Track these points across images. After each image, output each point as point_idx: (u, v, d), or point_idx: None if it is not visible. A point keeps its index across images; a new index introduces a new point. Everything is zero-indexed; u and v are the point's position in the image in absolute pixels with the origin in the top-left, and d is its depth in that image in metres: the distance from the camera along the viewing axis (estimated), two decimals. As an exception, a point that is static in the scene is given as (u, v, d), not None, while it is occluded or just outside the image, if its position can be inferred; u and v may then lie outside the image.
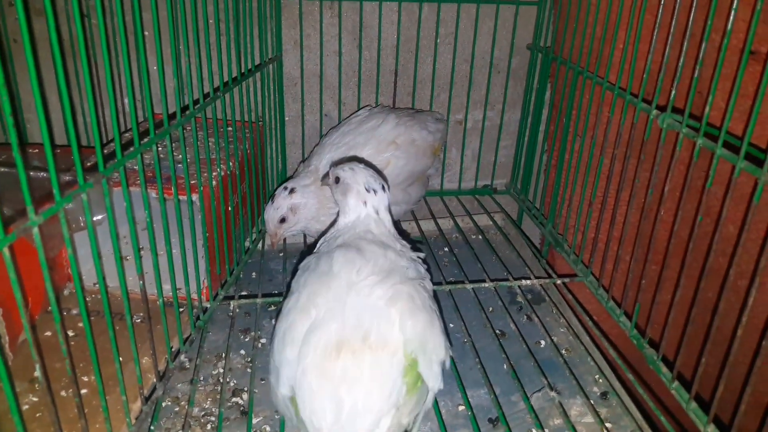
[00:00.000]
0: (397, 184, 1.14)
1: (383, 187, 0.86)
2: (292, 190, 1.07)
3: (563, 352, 0.95)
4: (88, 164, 0.95)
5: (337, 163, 0.96)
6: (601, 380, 0.89)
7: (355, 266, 0.72)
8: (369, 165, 0.94)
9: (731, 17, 0.67)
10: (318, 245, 0.86)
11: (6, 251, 0.46)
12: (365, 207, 0.84)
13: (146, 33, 1.22)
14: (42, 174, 0.90)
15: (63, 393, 0.76)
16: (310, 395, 0.63)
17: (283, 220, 1.07)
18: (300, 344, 0.67)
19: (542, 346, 0.97)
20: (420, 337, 0.67)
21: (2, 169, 0.91)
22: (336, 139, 1.17)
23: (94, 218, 0.66)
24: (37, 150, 1.05)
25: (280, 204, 1.06)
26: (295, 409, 0.66)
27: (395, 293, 0.69)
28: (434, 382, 0.68)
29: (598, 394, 0.87)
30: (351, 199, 0.85)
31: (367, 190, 0.85)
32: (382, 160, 1.12)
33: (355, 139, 1.15)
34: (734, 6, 0.66)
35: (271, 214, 1.06)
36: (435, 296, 0.79)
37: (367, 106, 1.30)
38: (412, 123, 1.18)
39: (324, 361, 0.64)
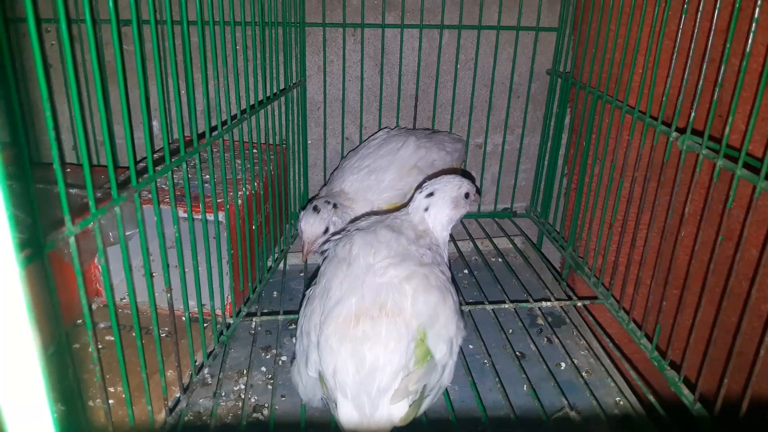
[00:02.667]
0: None
1: (443, 195, 0.87)
2: (335, 205, 1.09)
3: (584, 374, 0.95)
4: (120, 181, 0.97)
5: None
6: (622, 402, 0.88)
7: (372, 249, 0.78)
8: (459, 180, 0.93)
9: (750, 41, 0.68)
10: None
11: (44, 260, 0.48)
12: (419, 200, 0.87)
13: (177, 58, 1.26)
14: (73, 191, 0.93)
15: (90, 403, 0.77)
16: (333, 355, 0.69)
17: (326, 231, 1.07)
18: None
19: (562, 368, 0.97)
20: (431, 312, 0.72)
21: (38, 186, 0.94)
22: (356, 162, 1.19)
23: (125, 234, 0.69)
24: (68, 170, 1.08)
25: (325, 216, 1.07)
26: (323, 387, 0.72)
27: (411, 273, 0.74)
28: (441, 356, 0.71)
29: (620, 416, 0.86)
30: (417, 193, 0.89)
31: (428, 193, 0.87)
32: (405, 184, 1.14)
33: (376, 162, 1.17)
34: (753, 30, 0.67)
35: (316, 223, 1.06)
36: (454, 282, 0.83)
37: (385, 128, 1.33)
38: (431, 144, 1.20)
39: (345, 328, 0.70)
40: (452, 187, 0.87)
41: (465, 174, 0.93)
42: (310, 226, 1.06)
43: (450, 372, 0.76)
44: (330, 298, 0.75)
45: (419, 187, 0.90)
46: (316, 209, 1.07)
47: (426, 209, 0.86)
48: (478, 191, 0.91)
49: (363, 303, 0.72)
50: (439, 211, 0.86)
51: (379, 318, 0.70)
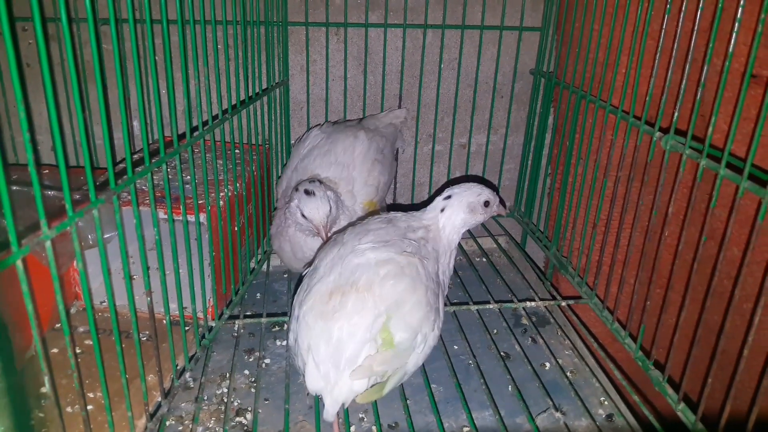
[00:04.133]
0: (383, 197, 1.18)
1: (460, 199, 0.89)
2: (320, 182, 1.02)
3: (568, 374, 0.95)
4: (98, 183, 0.96)
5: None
6: (606, 402, 0.88)
7: (360, 235, 0.82)
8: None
9: (732, 41, 0.68)
10: None
11: (19, 264, 0.46)
12: (437, 202, 0.89)
13: (157, 58, 1.24)
14: (50, 192, 0.91)
15: (69, 409, 0.76)
16: (308, 332, 0.74)
17: (330, 211, 1.00)
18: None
19: (547, 368, 0.97)
20: (397, 297, 0.74)
21: (14, 188, 0.92)
22: (317, 160, 1.12)
23: (104, 236, 0.67)
24: (47, 171, 1.07)
25: (321, 194, 0.99)
26: (296, 355, 0.77)
27: (388, 259, 0.77)
28: (401, 340, 0.73)
29: (604, 416, 0.86)
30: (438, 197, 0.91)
31: (446, 195, 0.89)
32: (373, 179, 1.13)
33: (338, 158, 1.12)
34: (735, 30, 0.68)
35: (320, 204, 0.99)
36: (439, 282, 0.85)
37: (314, 126, 1.28)
38: (372, 135, 1.18)
39: (319, 304, 0.75)
40: (471, 193, 0.89)
41: (486, 183, 0.95)
42: (317, 209, 0.99)
43: (417, 360, 0.77)
44: (314, 276, 0.79)
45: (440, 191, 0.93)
46: (309, 193, 1.00)
47: (442, 210, 0.88)
48: (503, 201, 0.95)
49: (338, 280, 0.76)
50: (454, 214, 0.88)
51: (348, 293, 0.74)
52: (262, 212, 1.18)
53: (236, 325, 1.00)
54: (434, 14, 1.31)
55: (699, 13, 0.76)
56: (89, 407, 0.77)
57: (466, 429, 0.83)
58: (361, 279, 0.75)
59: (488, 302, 1.07)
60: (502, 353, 0.98)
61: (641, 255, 0.92)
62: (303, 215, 0.98)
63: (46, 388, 0.51)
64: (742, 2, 0.67)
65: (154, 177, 1.01)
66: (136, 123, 1.31)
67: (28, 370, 0.82)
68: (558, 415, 0.84)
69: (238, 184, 1.04)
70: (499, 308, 1.07)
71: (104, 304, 0.99)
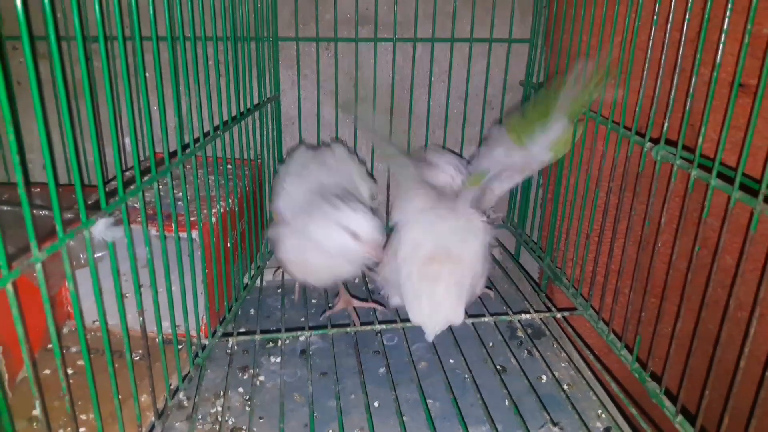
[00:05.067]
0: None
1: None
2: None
3: (565, 387, 0.94)
4: (90, 202, 0.95)
5: None
6: (603, 415, 0.88)
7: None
8: None
9: (719, 52, 0.69)
10: None
11: (9, 287, 0.46)
12: None
13: (147, 74, 1.24)
14: (42, 212, 0.91)
15: (61, 431, 0.75)
16: (414, 291, 0.91)
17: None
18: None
19: (544, 381, 0.96)
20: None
21: (4, 208, 0.91)
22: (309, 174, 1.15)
23: (95, 256, 0.67)
24: (38, 189, 1.06)
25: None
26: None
27: (466, 225, 0.96)
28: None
29: (601, 429, 0.86)
30: None
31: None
32: (366, 189, 1.13)
33: (335, 176, 1.13)
34: (722, 41, 0.68)
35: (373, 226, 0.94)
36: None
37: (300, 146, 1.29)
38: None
39: (422, 267, 0.91)
40: None
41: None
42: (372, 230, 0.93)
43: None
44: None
45: None
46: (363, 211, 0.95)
47: None
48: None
49: (435, 248, 0.94)
50: None
51: (445, 262, 0.92)
52: (255, 227, 1.17)
53: (230, 343, 1.00)
54: (424, 28, 1.31)
55: (686, 23, 0.76)
56: (81, 430, 0.76)
57: (463, 444, 0.83)
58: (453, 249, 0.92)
59: (483, 315, 1.07)
60: (498, 367, 0.98)
61: (635, 265, 0.92)
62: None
63: (37, 411, 0.51)
64: (728, 13, 0.68)
65: (146, 194, 1.01)
66: (127, 140, 1.30)
67: (19, 393, 0.81)
68: (555, 429, 0.83)
69: (230, 200, 1.03)
70: (494, 321, 1.06)
71: (96, 323, 0.98)
